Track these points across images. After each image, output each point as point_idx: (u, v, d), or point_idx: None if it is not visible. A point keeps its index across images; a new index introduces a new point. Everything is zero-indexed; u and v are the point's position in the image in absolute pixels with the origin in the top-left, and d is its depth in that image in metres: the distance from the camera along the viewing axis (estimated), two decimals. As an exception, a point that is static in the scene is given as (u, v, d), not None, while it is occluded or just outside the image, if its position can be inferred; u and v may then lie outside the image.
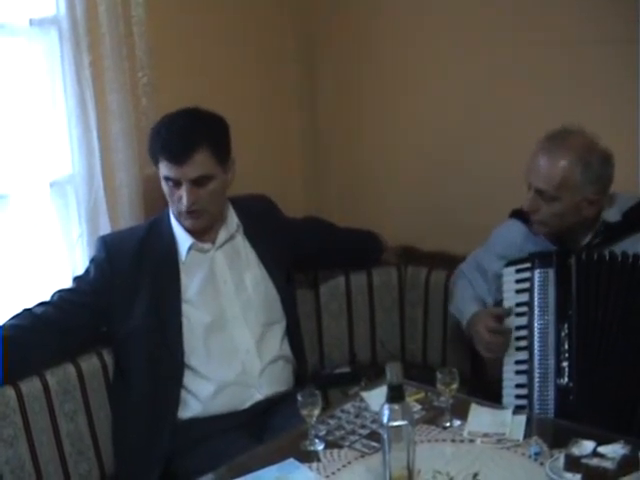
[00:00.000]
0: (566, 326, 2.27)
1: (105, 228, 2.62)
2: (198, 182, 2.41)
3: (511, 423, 2.08)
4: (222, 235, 2.54)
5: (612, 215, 2.37)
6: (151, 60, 2.67)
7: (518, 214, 2.51)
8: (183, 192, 2.41)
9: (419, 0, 3.03)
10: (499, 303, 2.44)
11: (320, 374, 3.00)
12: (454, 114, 3.03)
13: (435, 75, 3.05)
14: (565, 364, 2.25)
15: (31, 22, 2.45)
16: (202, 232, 2.51)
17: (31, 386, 2.28)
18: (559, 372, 2.26)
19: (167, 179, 2.43)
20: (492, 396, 2.34)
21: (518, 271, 2.39)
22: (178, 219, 2.50)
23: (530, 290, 2.34)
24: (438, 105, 3.07)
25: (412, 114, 3.15)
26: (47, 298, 2.42)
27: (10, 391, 2.23)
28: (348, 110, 3.33)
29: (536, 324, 2.31)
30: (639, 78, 2.56)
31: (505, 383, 2.36)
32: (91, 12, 2.50)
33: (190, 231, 2.50)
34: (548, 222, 2.36)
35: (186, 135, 2.41)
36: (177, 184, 2.42)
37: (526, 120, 2.77)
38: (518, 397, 2.31)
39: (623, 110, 2.61)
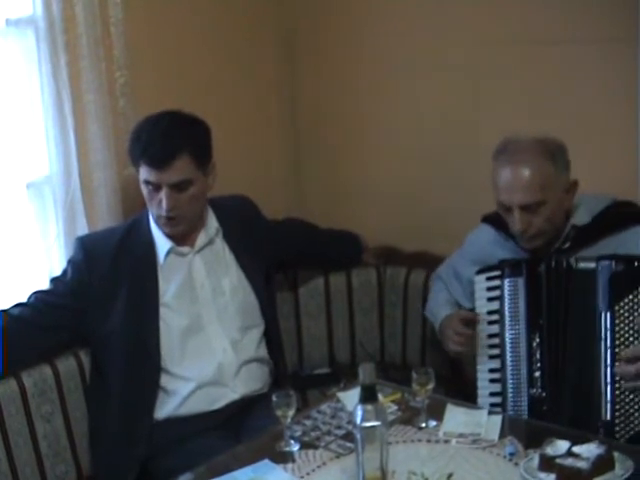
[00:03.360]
0: (537, 335, 2.24)
1: (82, 229, 2.60)
2: (178, 187, 2.40)
3: (486, 423, 2.08)
4: (201, 239, 2.53)
5: (580, 218, 2.31)
6: (129, 60, 2.66)
7: (489, 219, 2.49)
8: (163, 196, 2.39)
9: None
10: (473, 310, 2.42)
11: (299, 375, 3.00)
12: (435, 115, 3.02)
13: (417, 76, 3.04)
14: (537, 374, 2.23)
15: (7, 22, 2.44)
16: (181, 236, 2.50)
17: (7, 387, 2.27)
18: (531, 382, 2.23)
19: (147, 183, 2.42)
20: (470, 397, 2.34)
21: (488, 279, 2.36)
22: (157, 223, 2.49)
23: (501, 299, 2.31)
24: (420, 106, 3.06)
25: (393, 115, 3.14)
26: (24, 299, 2.41)
27: (-15, 393, 2.22)
28: (330, 111, 3.32)
29: (507, 334, 2.28)
30: (638, 78, 2.53)
31: (480, 392, 2.35)
32: (68, 12, 2.49)
33: (169, 235, 2.49)
34: (541, 231, 2.27)
35: (167, 140, 2.39)
36: (157, 188, 2.40)
37: (519, 122, 2.70)
38: (493, 405, 2.29)
39: (622, 110, 2.58)
